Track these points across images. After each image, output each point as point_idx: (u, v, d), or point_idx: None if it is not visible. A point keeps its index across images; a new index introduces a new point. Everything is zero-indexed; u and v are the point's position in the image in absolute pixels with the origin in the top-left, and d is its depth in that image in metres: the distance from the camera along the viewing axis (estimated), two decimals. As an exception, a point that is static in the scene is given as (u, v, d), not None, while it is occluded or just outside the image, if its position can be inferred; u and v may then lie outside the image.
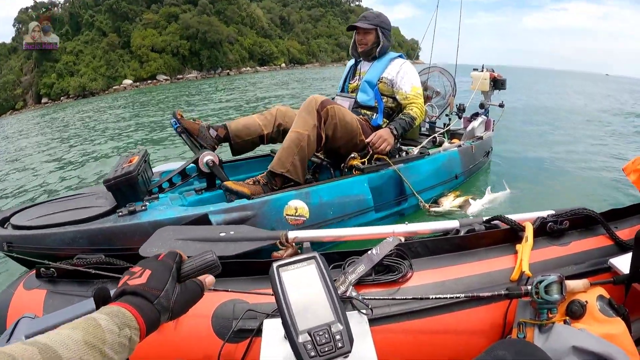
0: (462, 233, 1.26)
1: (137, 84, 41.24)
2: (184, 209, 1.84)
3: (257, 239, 1.36)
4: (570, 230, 1.28)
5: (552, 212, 1.33)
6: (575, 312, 0.97)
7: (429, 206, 2.54)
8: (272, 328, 0.87)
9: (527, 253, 1.11)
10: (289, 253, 1.27)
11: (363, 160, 2.37)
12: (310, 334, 0.66)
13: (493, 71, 3.78)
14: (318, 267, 0.74)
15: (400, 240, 1.16)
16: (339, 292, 0.97)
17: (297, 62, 62.06)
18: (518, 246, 1.16)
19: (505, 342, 0.79)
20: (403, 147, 2.75)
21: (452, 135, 3.71)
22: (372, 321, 0.96)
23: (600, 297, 1.01)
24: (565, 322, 0.96)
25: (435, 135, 3.28)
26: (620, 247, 1.23)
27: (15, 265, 2.07)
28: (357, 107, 2.66)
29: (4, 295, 1.26)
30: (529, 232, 1.18)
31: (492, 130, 3.78)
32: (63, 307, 0.92)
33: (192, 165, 2.13)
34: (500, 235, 1.23)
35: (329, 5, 76.51)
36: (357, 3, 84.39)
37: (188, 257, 0.71)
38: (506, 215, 1.25)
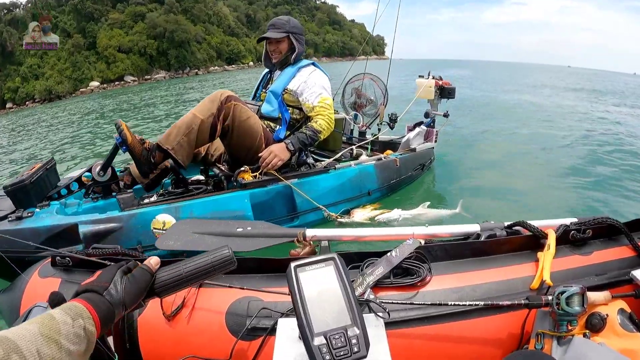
0: (482, 238, 1.23)
1: (105, 85, 40.48)
2: (59, 218, 1.93)
3: (274, 235, 1.35)
4: (593, 240, 1.24)
5: (575, 219, 1.29)
6: (595, 325, 0.94)
7: (336, 216, 2.34)
8: (287, 327, 0.86)
9: (548, 261, 1.08)
10: (306, 251, 1.26)
11: (255, 174, 2.26)
12: (326, 337, 0.65)
13: (440, 79, 3.55)
14: (337, 269, 0.73)
15: (420, 242, 1.14)
16: (356, 293, 0.96)
17: (264, 60, 62.48)
18: (539, 254, 1.13)
19: (521, 353, 0.77)
20: (314, 157, 2.62)
21: (388, 145, 3.51)
22: (388, 325, 0.95)
23: (621, 311, 0.97)
24: (584, 335, 0.93)
25: (353, 147, 3.05)
26: (643, 259, 1.18)
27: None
28: (260, 118, 2.47)
29: (19, 282, 1.28)
30: (551, 239, 1.14)
31: (435, 141, 3.48)
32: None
33: (88, 173, 2.19)
34: (521, 242, 1.20)
35: (295, 3, 76.20)
36: (322, 0, 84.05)
37: (203, 251, 0.73)
38: (528, 222, 1.22)
